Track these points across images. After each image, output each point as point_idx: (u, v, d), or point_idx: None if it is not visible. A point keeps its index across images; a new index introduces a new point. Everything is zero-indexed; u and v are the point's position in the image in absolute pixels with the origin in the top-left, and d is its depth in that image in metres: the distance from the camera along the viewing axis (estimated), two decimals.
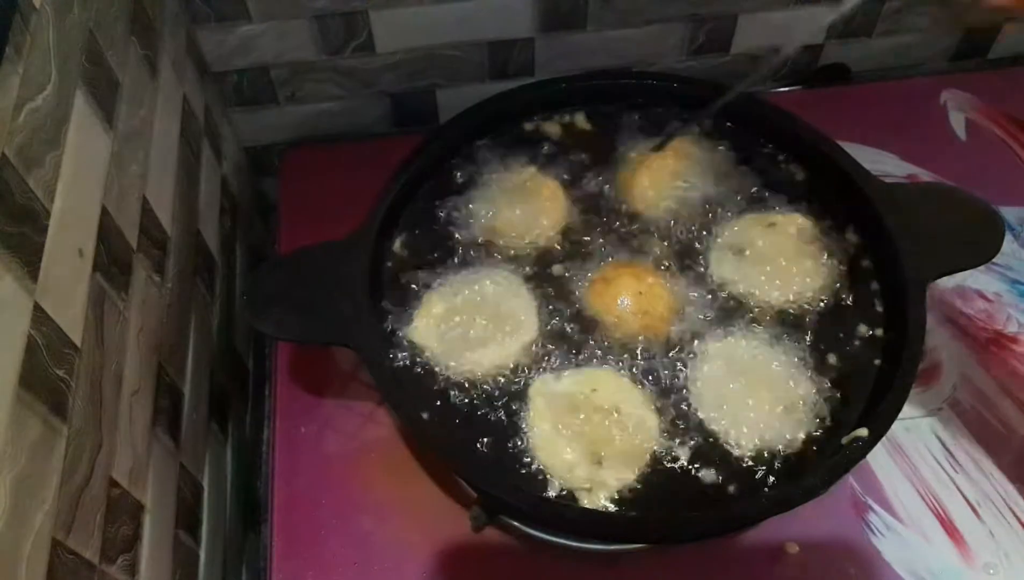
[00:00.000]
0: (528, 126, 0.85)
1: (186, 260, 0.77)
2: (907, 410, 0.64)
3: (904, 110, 1.00)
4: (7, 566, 0.43)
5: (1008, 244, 0.87)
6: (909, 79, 1.04)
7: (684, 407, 0.68)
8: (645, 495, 0.64)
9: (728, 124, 0.85)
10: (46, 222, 0.51)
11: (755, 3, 0.95)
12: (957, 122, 0.99)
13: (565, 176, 0.81)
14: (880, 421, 0.64)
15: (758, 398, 0.68)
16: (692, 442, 0.67)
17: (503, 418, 0.68)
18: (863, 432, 0.64)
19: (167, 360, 0.70)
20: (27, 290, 0.48)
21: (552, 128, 0.85)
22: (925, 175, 0.93)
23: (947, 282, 0.85)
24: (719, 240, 0.77)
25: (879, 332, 0.72)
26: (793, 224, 0.77)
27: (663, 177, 0.79)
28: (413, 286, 0.75)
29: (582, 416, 0.67)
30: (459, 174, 0.82)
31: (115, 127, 0.63)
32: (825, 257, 0.75)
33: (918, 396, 0.78)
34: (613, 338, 0.72)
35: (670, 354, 0.71)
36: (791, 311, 0.73)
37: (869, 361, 0.70)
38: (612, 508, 0.64)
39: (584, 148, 0.84)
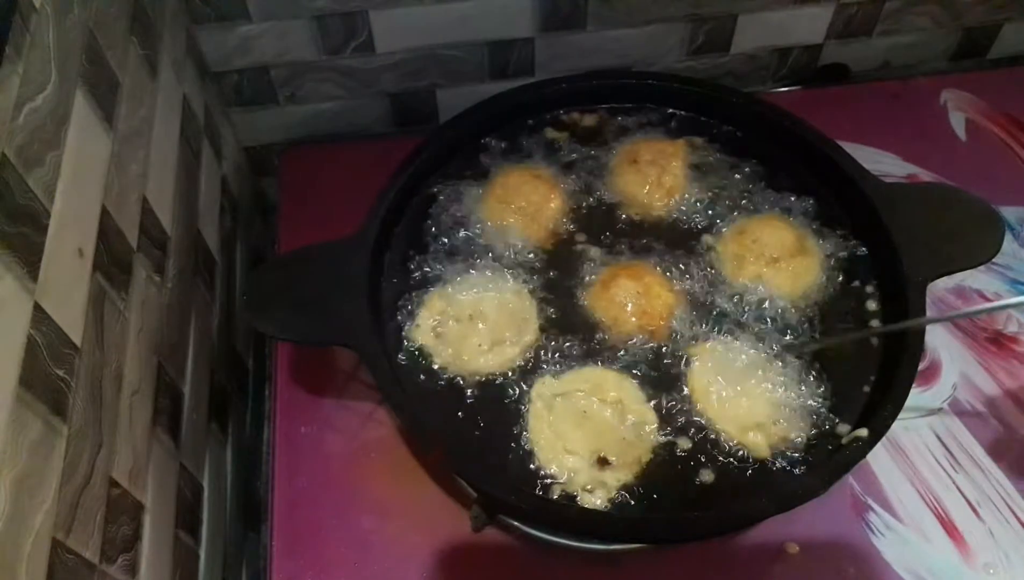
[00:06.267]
0: (528, 126, 0.85)
1: (186, 260, 0.77)
2: (907, 410, 0.64)
3: (904, 110, 1.00)
4: (7, 566, 0.43)
5: (1008, 244, 0.87)
6: (909, 79, 1.04)
7: (684, 407, 0.68)
8: (645, 495, 0.64)
9: (727, 125, 0.85)
10: (46, 222, 0.51)
11: (755, 3, 0.95)
12: (957, 122, 0.99)
13: (565, 176, 0.82)
14: (880, 421, 0.64)
15: (758, 398, 0.68)
16: (692, 442, 0.67)
17: (503, 418, 0.68)
18: (863, 432, 0.64)
19: (167, 360, 0.70)
20: (27, 290, 0.48)
21: (552, 128, 0.85)
22: (925, 175, 0.93)
23: (947, 282, 0.85)
24: (718, 240, 0.77)
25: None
26: (792, 224, 0.77)
27: (662, 178, 0.79)
28: (413, 286, 0.75)
29: (582, 416, 0.67)
30: (459, 174, 0.82)
31: (115, 127, 0.63)
32: (825, 257, 0.76)
33: (918, 396, 0.78)
34: (613, 338, 0.72)
35: (669, 354, 0.71)
36: (791, 311, 0.73)
37: (869, 361, 0.70)
38: (612, 508, 0.64)
39: (584, 148, 0.84)
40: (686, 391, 0.69)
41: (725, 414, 0.67)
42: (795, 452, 0.66)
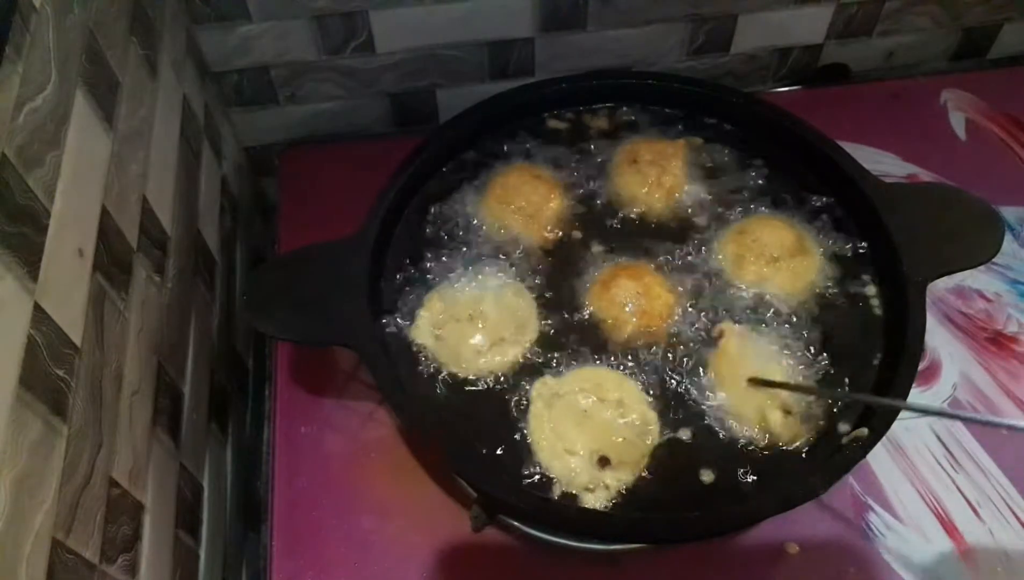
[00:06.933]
0: (528, 126, 0.85)
1: (186, 260, 0.77)
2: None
3: (904, 110, 1.00)
4: (7, 566, 0.43)
5: (1008, 244, 0.87)
6: (909, 79, 1.04)
7: (684, 406, 0.68)
8: (645, 495, 0.64)
9: (727, 125, 0.85)
10: (46, 222, 0.51)
11: (755, 3, 0.95)
12: (957, 122, 0.99)
13: (565, 176, 0.82)
14: (880, 421, 0.64)
15: (758, 398, 0.67)
16: (692, 442, 0.67)
17: (503, 418, 0.68)
18: (863, 432, 0.64)
19: (167, 360, 0.70)
20: (27, 290, 0.48)
21: (552, 128, 0.85)
22: (925, 175, 0.93)
23: (947, 282, 0.85)
24: (717, 240, 0.77)
25: (879, 332, 0.71)
26: (792, 224, 0.77)
27: (662, 178, 0.79)
28: (413, 286, 0.75)
29: (582, 416, 0.67)
30: (459, 174, 0.82)
31: (115, 127, 0.63)
32: (825, 257, 0.76)
33: (918, 396, 0.78)
34: (613, 338, 0.72)
35: (670, 353, 0.71)
36: (791, 311, 0.73)
37: (869, 361, 0.70)
38: (612, 508, 0.64)
39: (584, 148, 0.84)
40: (686, 390, 0.69)
41: (726, 413, 0.67)
42: (795, 451, 0.66)
